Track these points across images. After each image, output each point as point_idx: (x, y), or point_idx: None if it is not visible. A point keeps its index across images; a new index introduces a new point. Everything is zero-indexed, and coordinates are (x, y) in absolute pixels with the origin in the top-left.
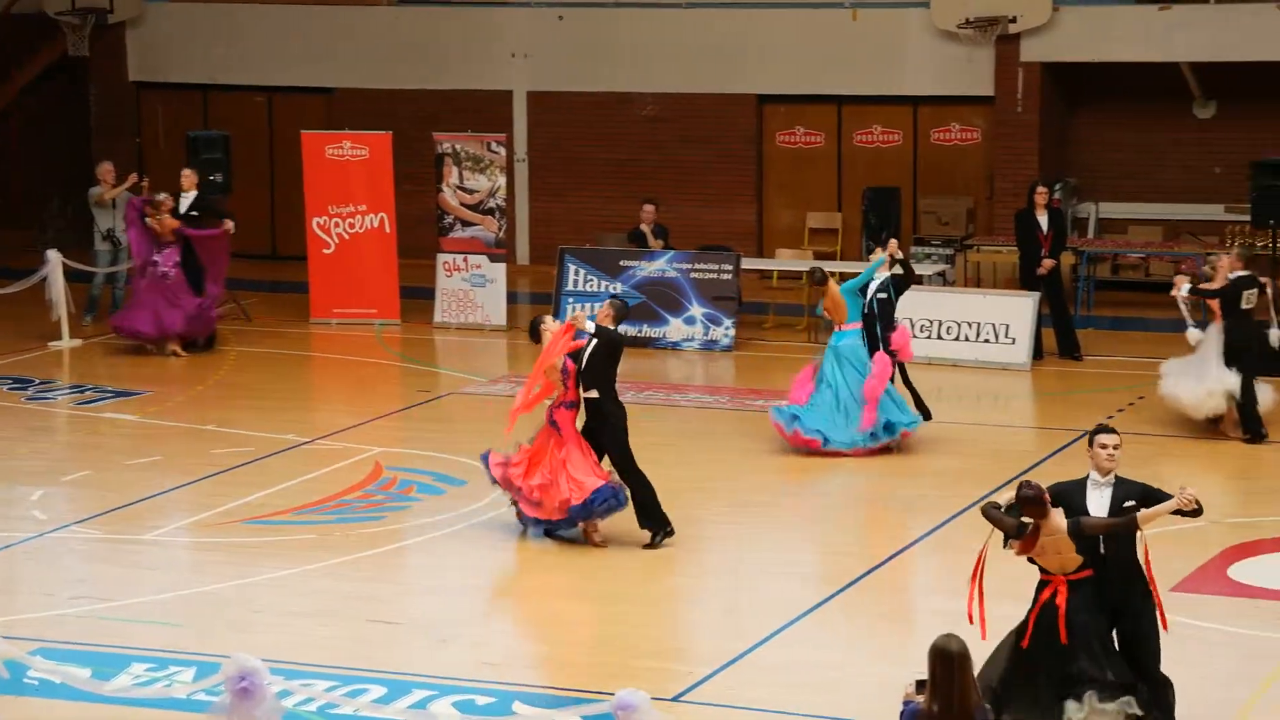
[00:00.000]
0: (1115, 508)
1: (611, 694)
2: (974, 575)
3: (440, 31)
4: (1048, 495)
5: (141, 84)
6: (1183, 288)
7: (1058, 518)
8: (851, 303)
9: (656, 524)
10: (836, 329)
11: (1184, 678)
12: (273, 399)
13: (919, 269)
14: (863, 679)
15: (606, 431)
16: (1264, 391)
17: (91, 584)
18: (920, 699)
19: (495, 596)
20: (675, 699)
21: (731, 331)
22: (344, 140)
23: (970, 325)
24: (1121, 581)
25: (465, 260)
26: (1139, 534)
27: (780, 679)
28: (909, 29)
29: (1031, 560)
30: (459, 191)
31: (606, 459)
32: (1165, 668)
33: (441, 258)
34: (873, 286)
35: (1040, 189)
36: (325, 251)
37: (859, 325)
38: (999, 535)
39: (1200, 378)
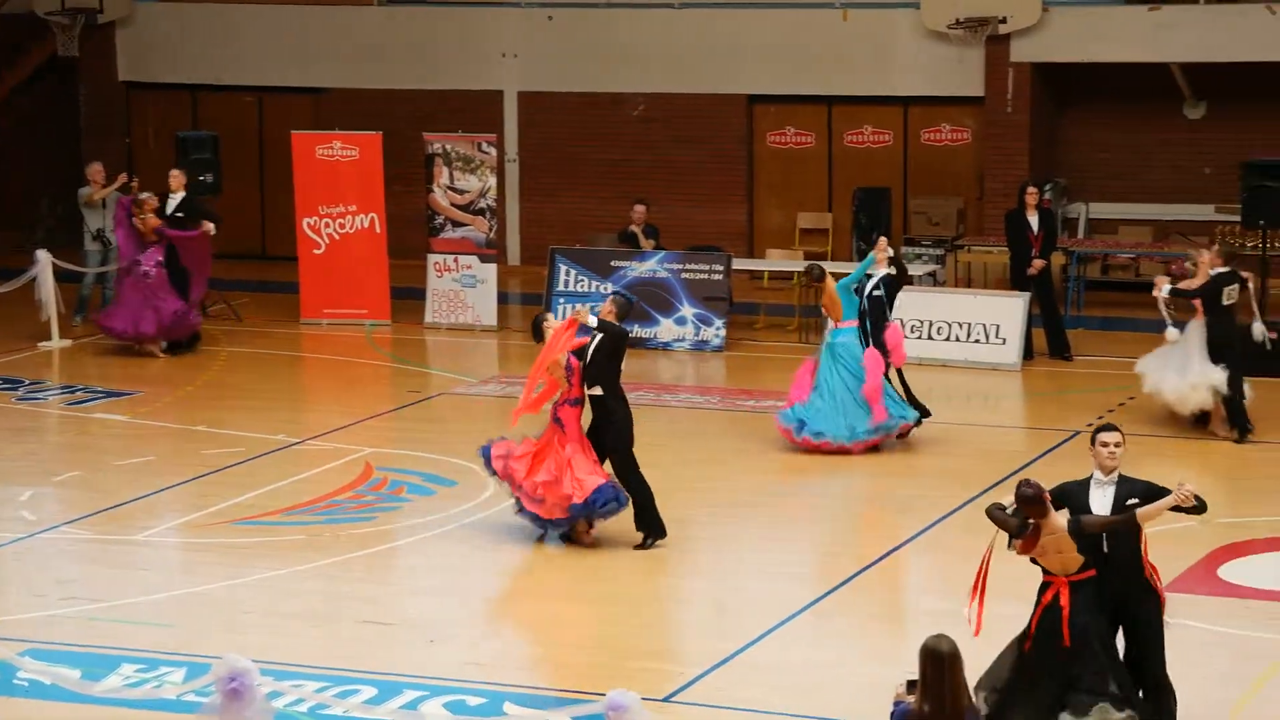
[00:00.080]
0: (1118, 506)
1: (602, 694)
2: (978, 576)
3: (431, 32)
4: (1047, 494)
5: (131, 84)
6: (1164, 288)
7: (1058, 517)
8: (847, 300)
9: (651, 527)
10: (833, 326)
11: (1176, 678)
12: (263, 399)
13: (909, 269)
14: (854, 679)
15: (610, 430)
16: (1245, 389)
17: (82, 584)
18: (911, 699)
19: (486, 597)
20: (666, 699)
21: (722, 332)
22: (334, 140)
23: (961, 325)
24: (1124, 580)
25: (456, 261)
26: (1142, 532)
27: (771, 679)
28: (899, 29)
29: (1034, 561)
30: (449, 192)
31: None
32: None
33: (432, 258)
34: (869, 284)
35: (1030, 189)
36: (315, 252)
37: (855, 323)
38: (1004, 537)
39: (1183, 372)
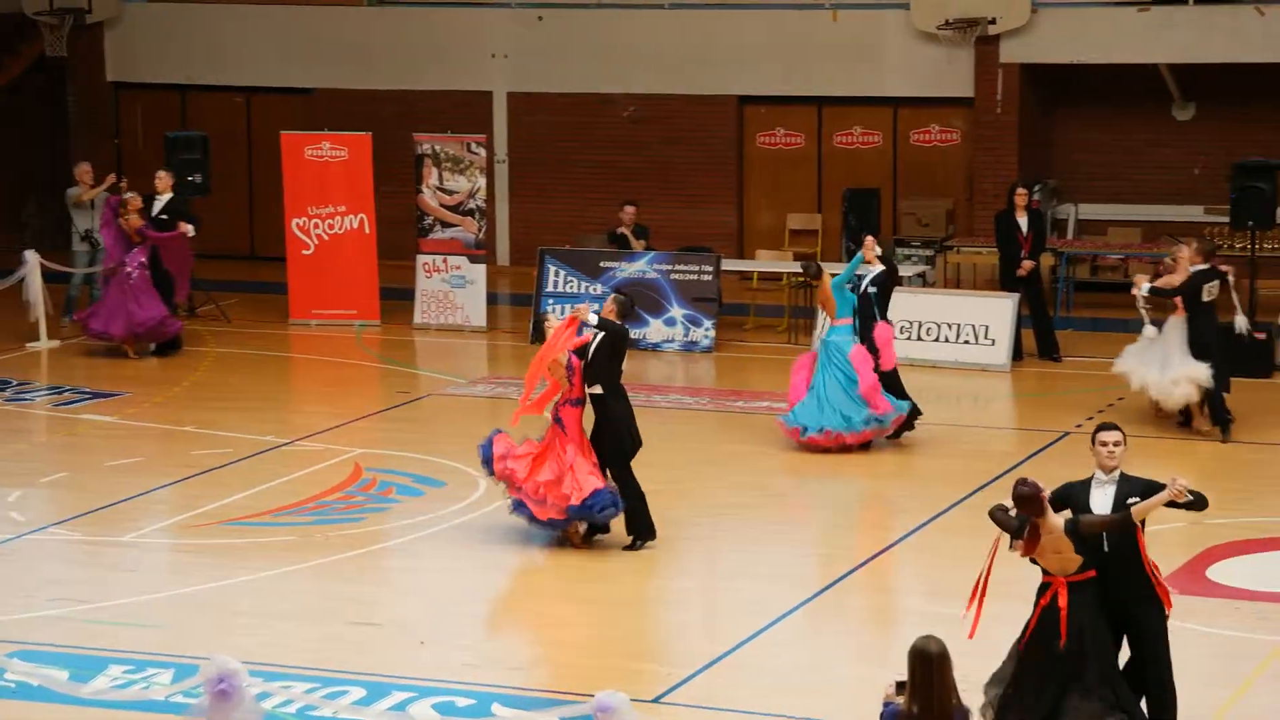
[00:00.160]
0: (1119, 505)
1: (591, 695)
2: (980, 579)
3: (419, 32)
4: (1044, 493)
5: (120, 84)
6: (1143, 287)
7: (1057, 517)
8: (841, 298)
9: (641, 529)
10: (830, 324)
11: None
12: (252, 400)
13: (899, 269)
14: (843, 680)
15: (608, 429)
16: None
17: (70, 586)
18: (900, 700)
19: (475, 598)
20: (655, 700)
21: (711, 333)
22: (323, 141)
23: (950, 326)
24: (1125, 581)
25: (445, 261)
26: (1140, 530)
27: (761, 680)
28: (889, 30)
29: (1034, 561)
30: (439, 192)
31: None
32: None
33: (421, 259)
34: (864, 282)
35: (1020, 190)
36: (304, 252)
37: (849, 321)
38: (1007, 538)
39: (1164, 367)
